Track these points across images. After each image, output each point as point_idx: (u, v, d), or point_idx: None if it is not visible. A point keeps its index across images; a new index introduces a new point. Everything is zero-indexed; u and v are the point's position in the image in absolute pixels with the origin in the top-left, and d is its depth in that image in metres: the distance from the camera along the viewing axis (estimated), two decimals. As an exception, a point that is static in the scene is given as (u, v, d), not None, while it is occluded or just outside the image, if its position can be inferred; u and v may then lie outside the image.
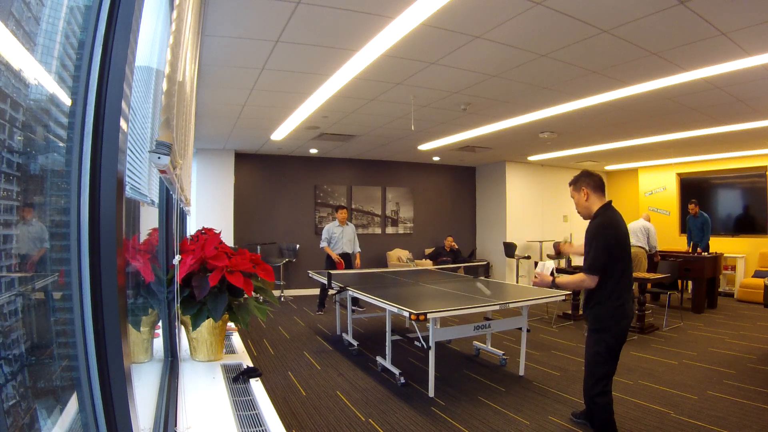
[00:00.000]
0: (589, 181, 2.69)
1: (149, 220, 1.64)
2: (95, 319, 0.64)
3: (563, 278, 2.77)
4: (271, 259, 8.31)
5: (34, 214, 0.66)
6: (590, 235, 2.60)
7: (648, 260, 6.94)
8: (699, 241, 7.68)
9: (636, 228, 7.09)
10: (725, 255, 8.03)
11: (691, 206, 7.79)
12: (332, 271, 5.55)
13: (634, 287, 6.42)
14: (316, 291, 8.63)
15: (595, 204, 2.68)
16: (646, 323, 5.63)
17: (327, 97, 4.79)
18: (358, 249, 6.97)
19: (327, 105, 5.12)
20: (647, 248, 6.97)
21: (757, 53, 3.50)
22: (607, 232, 2.55)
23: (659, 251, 7.97)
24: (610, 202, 2.69)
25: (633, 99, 4.76)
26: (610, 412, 2.58)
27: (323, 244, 6.79)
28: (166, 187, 1.71)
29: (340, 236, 6.79)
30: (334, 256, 6.66)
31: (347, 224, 6.90)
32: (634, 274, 6.17)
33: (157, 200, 1.72)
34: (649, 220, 7.24)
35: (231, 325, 2.13)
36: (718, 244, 8.09)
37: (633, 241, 7.04)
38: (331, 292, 5.00)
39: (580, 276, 2.63)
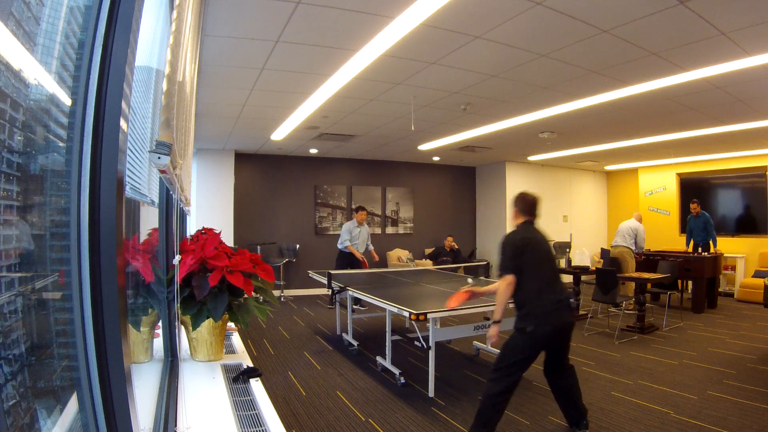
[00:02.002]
0: (520, 204, 2.96)
1: (149, 220, 1.64)
2: (95, 319, 0.64)
3: (494, 310, 2.83)
4: (271, 259, 8.31)
5: (34, 214, 0.66)
6: (499, 245, 2.87)
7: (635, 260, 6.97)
8: (700, 241, 7.67)
9: (624, 229, 7.11)
10: (725, 255, 8.03)
11: (692, 206, 7.79)
12: (333, 271, 5.55)
13: (629, 287, 6.48)
14: (316, 291, 8.66)
15: (519, 222, 2.94)
16: (646, 323, 5.63)
17: (327, 97, 4.79)
18: (371, 246, 7.24)
19: (327, 105, 5.12)
20: (634, 249, 6.97)
21: (757, 53, 3.50)
22: (508, 240, 2.82)
23: (660, 251, 7.99)
24: (530, 221, 2.92)
25: (633, 99, 4.76)
26: (496, 404, 2.65)
27: (347, 243, 6.93)
28: (166, 187, 1.71)
29: (358, 235, 7.02)
30: (359, 255, 6.87)
31: (363, 224, 7.16)
32: (626, 274, 6.21)
33: (157, 200, 1.72)
34: (640, 220, 7.23)
35: (231, 325, 2.13)
36: (718, 244, 8.09)
37: (619, 241, 7.06)
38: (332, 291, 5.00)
39: (496, 285, 2.81)
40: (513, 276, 2.67)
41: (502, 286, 2.69)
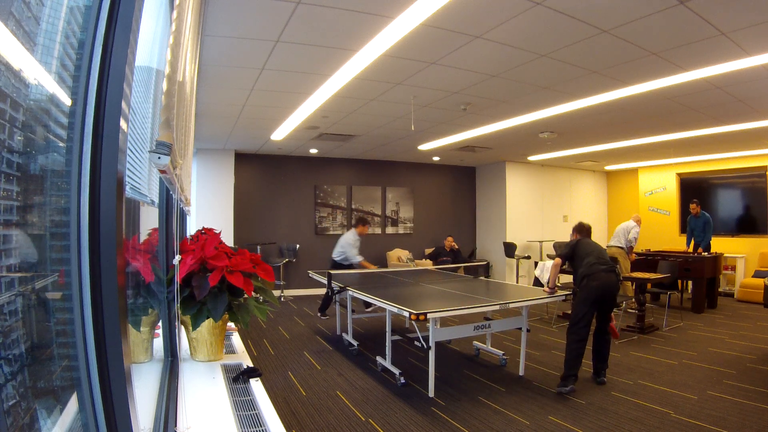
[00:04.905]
0: (576, 230, 4.45)
1: (149, 220, 1.64)
2: (95, 319, 0.64)
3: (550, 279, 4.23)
4: (271, 259, 8.31)
5: (34, 214, 0.66)
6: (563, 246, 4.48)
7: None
8: (700, 241, 7.67)
9: (618, 230, 7.12)
10: (725, 255, 8.02)
11: (692, 206, 7.79)
12: (333, 272, 5.54)
13: (629, 287, 6.47)
14: (316, 291, 8.65)
15: (574, 238, 4.39)
16: (646, 323, 5.63)
17: (327, 97, 4.79)
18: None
19: (327, 105, 5.12)
20: (625, 247, 6.95)
21: (757, 53, 3.50)
22: (567, 244, 4.29)
23: (660, 251, 7.99)
24: (581, 237, 4.30)
25: (633, 99, 4.76)
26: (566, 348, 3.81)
27: (359, 258, 6.48)
28: (166, 187, 1.71)
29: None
30: (374, 268, 6.67)
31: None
32: (626, 274, 6.22)
33: (157, 200, 1.72)
34: (638, 222, 7.19)
35: (231, 325, 2.13)
36: (718, 244, 8.08)
37: (612, 242, 7.07)
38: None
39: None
40: (561, 261, 4.15)
41: (554, 263, 4.17)
